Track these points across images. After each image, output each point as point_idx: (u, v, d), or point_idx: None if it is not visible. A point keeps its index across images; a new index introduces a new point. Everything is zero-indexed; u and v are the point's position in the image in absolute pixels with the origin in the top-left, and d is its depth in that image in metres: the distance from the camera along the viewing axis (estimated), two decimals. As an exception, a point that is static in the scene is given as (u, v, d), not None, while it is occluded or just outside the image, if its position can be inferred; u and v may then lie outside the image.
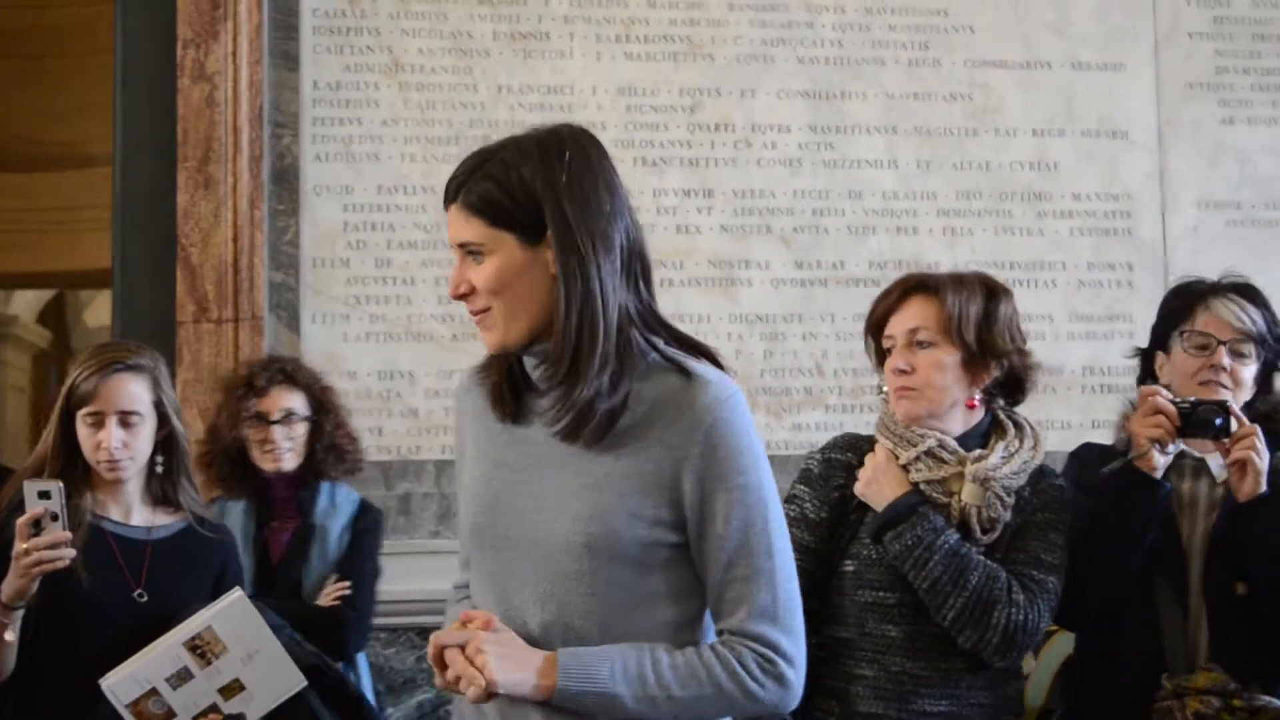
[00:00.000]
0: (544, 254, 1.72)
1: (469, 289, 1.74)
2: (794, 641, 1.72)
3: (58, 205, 6.91)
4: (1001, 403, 2.61)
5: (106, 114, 6.28)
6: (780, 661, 1.71)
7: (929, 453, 2.36)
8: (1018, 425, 2.43)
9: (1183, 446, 2.52)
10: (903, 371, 2.38)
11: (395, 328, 3.60)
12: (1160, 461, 2.47)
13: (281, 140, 3.56)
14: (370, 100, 3.59)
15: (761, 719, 1.84)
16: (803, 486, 2.47)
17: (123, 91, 3.65)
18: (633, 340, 1.74)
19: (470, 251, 1.74)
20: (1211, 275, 3.15)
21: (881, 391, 2.52)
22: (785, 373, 3.78)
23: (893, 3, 3.89)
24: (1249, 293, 2.57)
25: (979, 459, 2.34)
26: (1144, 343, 3.16)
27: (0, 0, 6.26)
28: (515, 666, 1.68)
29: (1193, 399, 2.52)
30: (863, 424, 3.54)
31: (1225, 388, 2.51)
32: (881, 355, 2.47)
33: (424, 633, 3.40)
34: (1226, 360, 2.52)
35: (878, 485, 2.39)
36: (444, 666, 1.69)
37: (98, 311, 9.77)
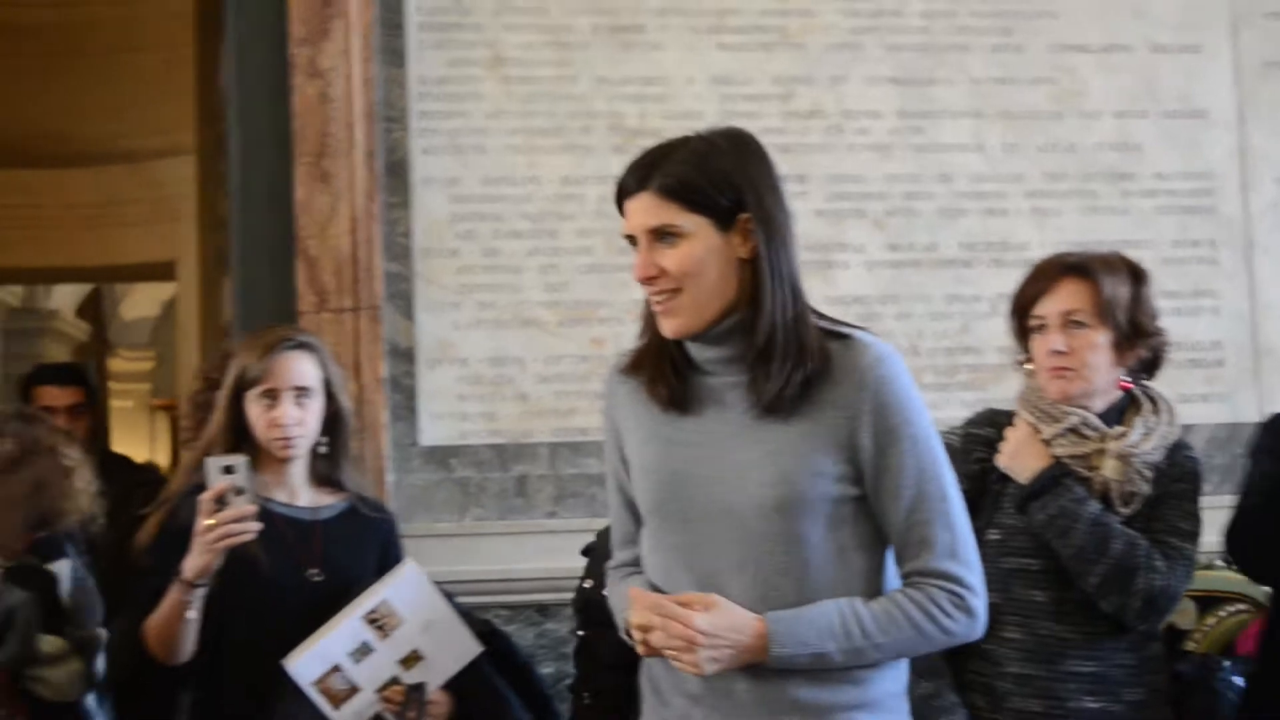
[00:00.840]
0: (733, 240, 1.83)
1: (658, 272, 1.82)
2: (975, 574, 1.85)
3: (94, 201, 6.97)
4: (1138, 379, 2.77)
5: (140, 110, 6.33)
6: (967, 595, 1.82)
7: (1072, 429, 2.46)
8: (1153, 401, 2.54)
9: None
10: (1059, 353, 2.46)
11: (504, 315, 3.58)
12: None
13: (392, 134, 3.56)
14: (474, 94, 3.58)
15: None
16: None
17: (238, 89, 3.61)
18: (808, 317, 1.88)
19: (662, 235, 1.82)
20: None
21: (1022, 366, 2.62)
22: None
23: (980, 23, 3.77)
24: None
25: (1120, 435, 2.46)
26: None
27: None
28: (727, 645, 1.76)
29: None
30: (956, 400, 3.66)
31: None
32: (1024, 334, 2.58)
33: (542, 609, 3.38)
34: None
35: (1021, 458, 2.48)
36: (644, 632, 1.84)
37: (135, 304, 9.91)
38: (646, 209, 1.83)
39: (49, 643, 2.85)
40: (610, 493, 2.17)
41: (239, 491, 2.45)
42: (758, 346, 1.84)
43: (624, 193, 1.89)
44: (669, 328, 1.87)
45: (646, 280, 1.87)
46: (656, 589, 1.99)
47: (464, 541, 3.40)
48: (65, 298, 9.81)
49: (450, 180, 3.59)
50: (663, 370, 1.94)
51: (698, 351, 1.92)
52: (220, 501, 2.42)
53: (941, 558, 1.83)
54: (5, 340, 8.99)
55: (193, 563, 2.39)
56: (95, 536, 3.20)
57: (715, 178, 1.84)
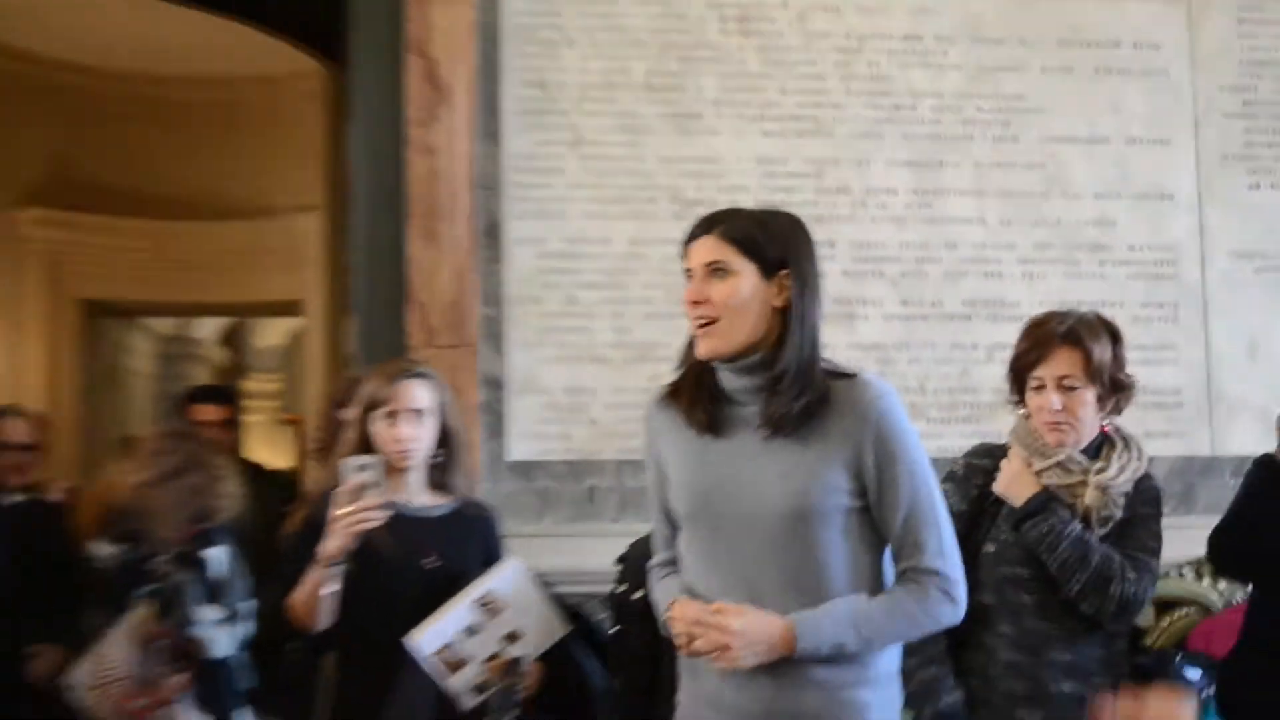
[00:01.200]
0: (771, 289, 2.12)
1: (705, 299, 2.11)
2: (958, 570, 2.16)
3: (237, 248, 7.54)
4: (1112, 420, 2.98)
5: (278, 174, 7.21)
6: (952, 587, 2.14)
7: (1060, 464, 2.80)
8: (1125, 440, 2.87)
9: None
10: (1056, 410, 2.81)
11: (579, 353, 4.02)
12: None
13: (488, 201, 3.99)
14: (557, 168, 4.02)
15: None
16: (948, 484, 2.85)
17: (362, 161, 4.07)
18: (819, 362, 2.20)
19: (715, 270, 2.11)
20: (1238, 323, 4.19)
21: (1017, 411, 2.93)
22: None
23: (980, 89, 4.22)
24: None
25: (1100, 470, 2.79)
26: (1187, 367, 4.10)
27: (185, 79, 7.12)
28: (760, 643, 2.05)
29: None
30: (956, 432, 4.05)
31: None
32: (1020, 386, 2.89)
33: (609, 598, 3.76)
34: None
35: (1016, 486, 2.81)
36: (688, 638, 2.13)
37: (266, 335, 10.67)
38: (708, 248, 2.13)
39: (206, 612, 3.41)
40: (651, 504, 2.42)
41: (370, 486, 2.78)
42: (773, 377, 2.11)
43: (692, 237, 2.20)
44: (703, 348, 2.13)
45: (694, 304, 2.14)
46: (691, 587, 2.26)
47: (542, 541, 3.71)
48: (209, 329, 10.38)
49: (537, 240, 4.03)
50: (699, 398, 2.19)
51: (728, 381, 2.16)
52: (354, 495, 2.77)
53: (932, 557, 2.14)
54: (160, 363, 9.61)
55: (330, 545, 2.74)
56: (241, 528, 3.62)
57: (769, 236, 2.15)
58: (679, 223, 3.63)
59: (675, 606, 2.22)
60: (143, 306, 8.54)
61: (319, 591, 2.83)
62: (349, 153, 4.37)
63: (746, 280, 2.11)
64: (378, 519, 2.77)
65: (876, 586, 2.18)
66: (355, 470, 2.78)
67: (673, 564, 2.37)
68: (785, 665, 2.14)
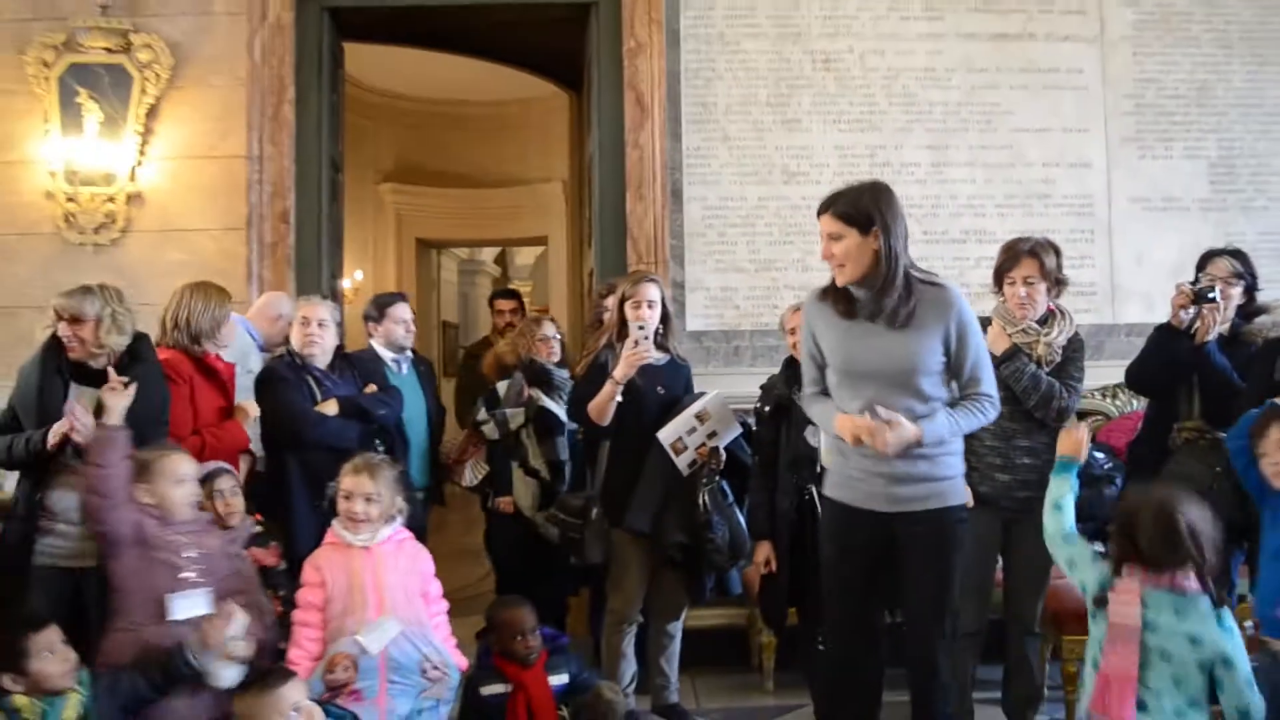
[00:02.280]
0: (868, 240, 2.77)
1: (831, 255, 2.80)
2: (995, 392, 2.85)
3: (505, 205, 9.39)
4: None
5: (530, 157, 9.05)
6: (996, 401, 2.86)
7: (1023, 330, 3.47)
8: (1062, 313, 3.50)
9: (1193, 311, 3.53)
10: (1023, 297, 3.47)
11: (727, 266, 4.93)
12: (1184, 317, 3.56)
13: (674, 176, 4.89)
14: (714, 155, 4.94)
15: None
16: None
17: (599, 153, 5.01)
18: (910, 276, 2.77)
19: (832, 237, 2.80)
20: (1131, 243, 4.88)
21: (998, 298, 3.59)
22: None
23: (971, 99, 5.00)
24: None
25: (1046, 333, 3.45)
26: (1099, 270, 4.82)
27: (476, 102, 9.10)
28: (905, 439, 2.71)
29: (1199, 287, 3.59)
30: None
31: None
32: (1000, 282, 3.56)
33: (754, 410, 4.01)
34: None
35: (996, 342, 3.41)
36: (854, 437, 2.73)
37: (525, 257, 12.65)
38: (827, 223, 2.81)
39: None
40: (804, 357, 3.01)
41: (644, 340, 3.66)
42: (877, 291, 2.74)
43: (820, 213, 2.84)
44: (840, 279, 2.80)
45: (827, 258, 2.81)
46: (840, 407, 2.86)
47: (708, 379, 4.44)
48: (488, 254, 12.53)
49: (701, 199, 4.92)
50: (841, 299, 2.82)
51: (855, 291, 2.78)
52: (636, 344, 3.62)
53: (987, 386, 2.83)
54: (460, 276, 11.83)
55: (621, 370, 3.63)
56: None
57: (859, 209, 2.78)
58: (787, 186, 4.73)
59: (841, 418, 2.82)
60: (450, 241, 10.68)
61: (611, 399, 3.68)
62: (592, 149, 5.13)
63: (851, 240, 2.76)
64: (649, 357, 3.67)
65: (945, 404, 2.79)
66: (638, 330, 3.66)
67: (824, 391, 2.97)
68: (905, 453, 2.75)
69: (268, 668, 2.69)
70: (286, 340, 4.03)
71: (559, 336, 4.42)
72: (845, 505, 2.90)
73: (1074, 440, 2.85)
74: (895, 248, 2.75)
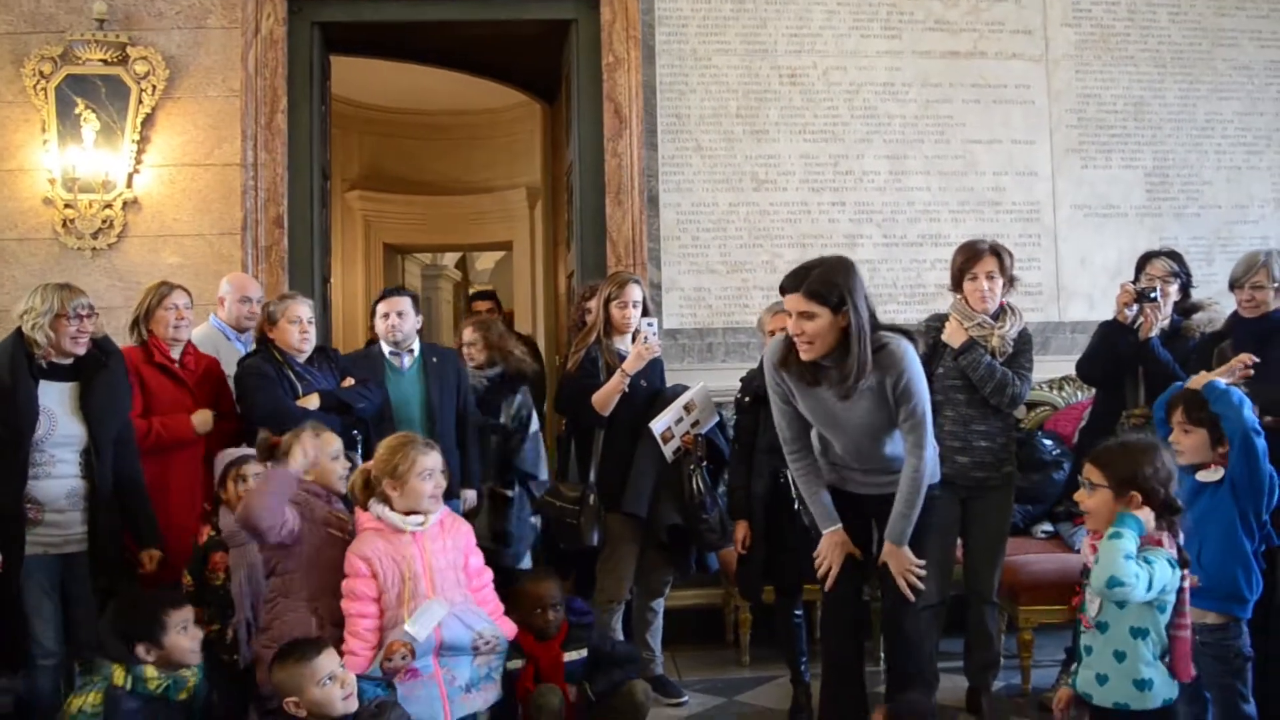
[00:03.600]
0: (838, 318, 2.88)
1: (801, 331, 2.89)
2: (931, 437, 3.04)
3: (471, 212, 9.49)
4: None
5: (497, 165, 9.12)
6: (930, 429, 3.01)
7: (979, 324, 3.70)
8: (1013, 310, 3.75)
9: (1136, 309, 3.78)
10: (986, 291, 3.70)
11: (700, 267, 5.14)
12: (1128, 314, 3.82)
13: (650, 183, 5.09)
14: (688, 163, 5.18)
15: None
16: (915, 335, 3.29)
17: (579, 161, 5.23)
18: (869, 351, 2.86)
19: (803, 315, 2.88)
20: (1075, 246, 5.09)
21: (956, 295, 3.78)
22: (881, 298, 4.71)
23: (927, 112, 5.27)
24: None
25: (999, 327, 3.69)
26: (1045, 271, 5.09)
27: (444, 112, 9.16)
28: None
29: (1141, 287, 3.84)
30: (914, 310, 4.95)
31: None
32: (958, 280, 3.76)
33: (735, 401, 4.19)
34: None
35: (954, 335, 3.71)
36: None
37: (485, 262, 12.62)
38: (796, 301, 2.87)
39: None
40: (781, 418, 3.18)
41: (651, 334, 3.95)
42: (847, 365, 2.87)
43: (785, 290, 2.91)
44: (805, 356, 2.94)
45: (798, 335, 2.90)
46: (826, 455, 3.14)
47: (682, 374, 4.64)
48: (449, 259, 12.52)
49: (676, 205, 5.15)
50: (806, 369, 2.97)
51: (822, 362, 2.93)
52: (644, 339, 3.91)
53: (924, 428, 2.99)
54: (423, 280, 11.79)
55: (632, 363, 3.89)
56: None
57: (830, 288, 2.85)
58: (756, 193, 4.97)
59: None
60: (416, 246, 10.71)
61: (617, 390, 3.92)
62: (572, 157, 5.35)
63: (822, 318, 2.85)
64: (658, 352, 3.99)
65: (899, 451, 3.04)
66: (647, 325, 3.97)
67: (805, 446, 3.21)
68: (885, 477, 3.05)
69: (301, 639, 2.83)
70: (253, 326, 4.34)
71: (478, 340, 4.70)
72: (835, 489, 3.21)
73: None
74: (863, 324, 2.88)
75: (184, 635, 2.86)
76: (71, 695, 2.86)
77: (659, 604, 4.20)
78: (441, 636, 3.03)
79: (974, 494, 3.72)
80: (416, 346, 4.35)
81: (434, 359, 4.30)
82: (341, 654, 2.88)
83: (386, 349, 4.32)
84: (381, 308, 4.26)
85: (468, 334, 4.63)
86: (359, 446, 3.93)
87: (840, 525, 3.13)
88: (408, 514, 3.10)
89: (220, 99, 5.03)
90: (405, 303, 4.26)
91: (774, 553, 3.87)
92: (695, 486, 3.93)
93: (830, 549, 3.13)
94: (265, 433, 3.24)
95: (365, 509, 3.14)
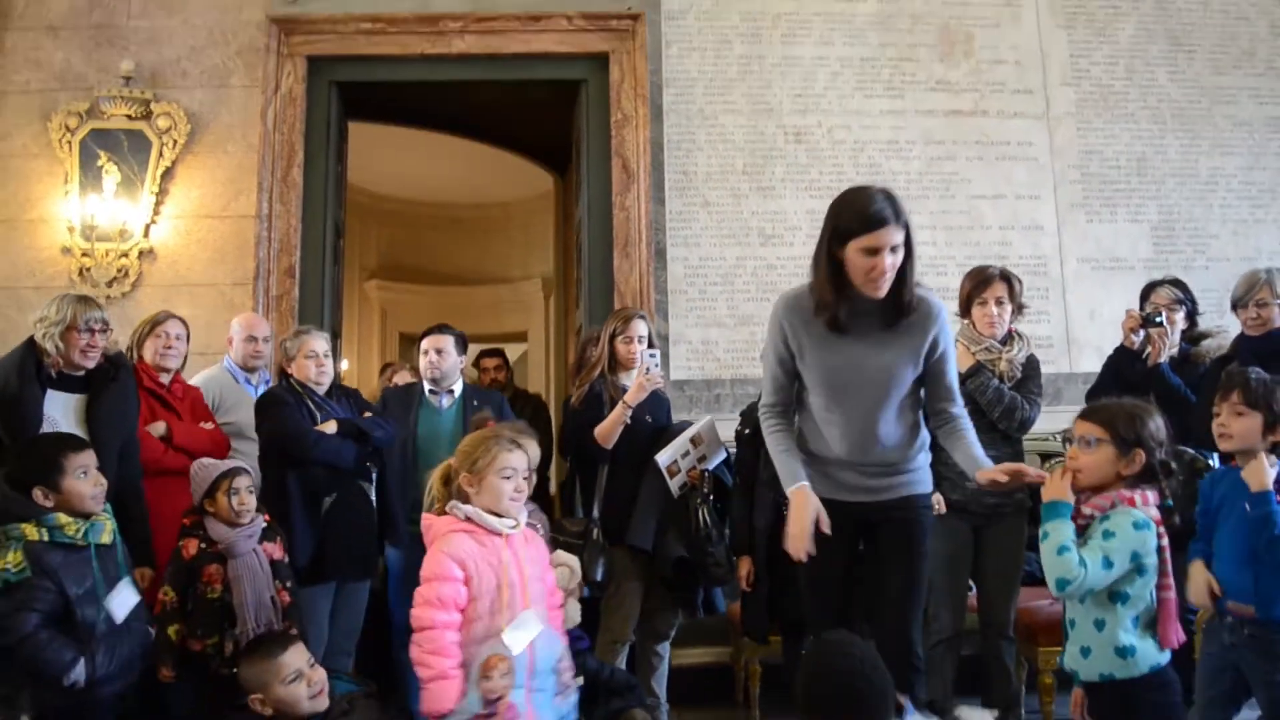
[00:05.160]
0: (907, 254, 2.64)
1: (885, 269, 2.61)
2: (962, 406, 2.83)
3: (487, 302, 9.50)
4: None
5: (513, 257, 9.24)
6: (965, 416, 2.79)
7: (986, 349, 3.66)
8: (1021, 336, 3.72)
9: (1143, 335, 3.69)
10: (995, 315, 3.65)
11: (708, 320, 5.11)
12: (1135, 340, 3.74)
13: (658, 236, 5.12)
14: (695, 218, 5.14)
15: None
16: None
17: (587, 216, 5.25)
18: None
19: (893, 249, 2.60)
20: (1084, 299, 5.03)
21: (963, 320, 3.75)
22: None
23: (931, 169, 5.26)
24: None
25: (1008, 352, 3.66)
26: (1055, 324, 5.03)
27: (460, 204, 9.33)
28: None
29: (1146, 313, 3.76)
30: None
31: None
32: (967, 307, 3.73)
33: (736, 435, 4.09)
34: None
35: (962, 360, 3.57)
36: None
37: (513, 353, 12.70)
38: (894, 234, 2.60)
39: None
40: (771, 364, 2.87)
41: (654, 366, 3.79)
42: (904, 293, 2.66)
43: (885, 222, 2.57)
44: (881, 292, 2.65)
45: (882, 273, 2.59)
46: (815, 426, 2.81)
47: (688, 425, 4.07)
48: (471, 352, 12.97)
49: (684, 259, 5.16)
50: (836, 312, 2.69)
51: (867, 303, 2.66)
52: (646, 370, 3.78)
53: (957, 404, 2.83)
54: None
55: (634, 394, 3.79)
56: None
57: (906, 223, 2.64)
58: (763, 248, 4.94)
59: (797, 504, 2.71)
60: None
61: (619, 422, 3.82)
62: (581, 212, 5.38)
63: (900, 254, 2.66)
64: (659, 383, 3.87)
65: (917, 420, 2.84)
66: (649, 357, 3.86)
67: (785, 408, 2.93)
68: (887, 466, 2.80)
69: (269, 633, 2.70)
70: (260, 365, 4.37)
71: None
72: (822, 499, 2.83)
73: (1058, 486, 2.54)
74: (913, 264, 2.75)
75: (83, 480, 2.79)
76: None
77: (664, 648, 4.03)
78: (534, 656, 2.66)
79: (987, 522, 3.61)
80: (459, 388, 4.27)
81: (475, 401, 4.20)
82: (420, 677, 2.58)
83: (427, 387, 4.26)
84: (424, 344, 4.22)
85: (402, 376, 4.62)
86: (372, 478, 3.90)
87: (807, 483, 2.79)
88: (497, 515, 2.78)
89: (239, 154, 5.11)
90: (448, 341, 4.20)
91: (778, 587, 3.75)
92: (701, 520, 3.82)
93: (798, 508, 2.72)
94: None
95: (443, 513, 2.80)
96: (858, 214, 2.58)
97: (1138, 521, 2.42)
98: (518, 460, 2.76)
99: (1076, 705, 2.57)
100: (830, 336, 2.72)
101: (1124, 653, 2.41)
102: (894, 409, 2.79)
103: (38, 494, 2.77)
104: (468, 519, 2.72)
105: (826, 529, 2.69)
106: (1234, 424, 2.78)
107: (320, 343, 4.00)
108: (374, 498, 3.87)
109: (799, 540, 2.66)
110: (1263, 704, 2.71)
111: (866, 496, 2.84)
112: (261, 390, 4.23)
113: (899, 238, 2.59)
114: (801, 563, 2.73)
